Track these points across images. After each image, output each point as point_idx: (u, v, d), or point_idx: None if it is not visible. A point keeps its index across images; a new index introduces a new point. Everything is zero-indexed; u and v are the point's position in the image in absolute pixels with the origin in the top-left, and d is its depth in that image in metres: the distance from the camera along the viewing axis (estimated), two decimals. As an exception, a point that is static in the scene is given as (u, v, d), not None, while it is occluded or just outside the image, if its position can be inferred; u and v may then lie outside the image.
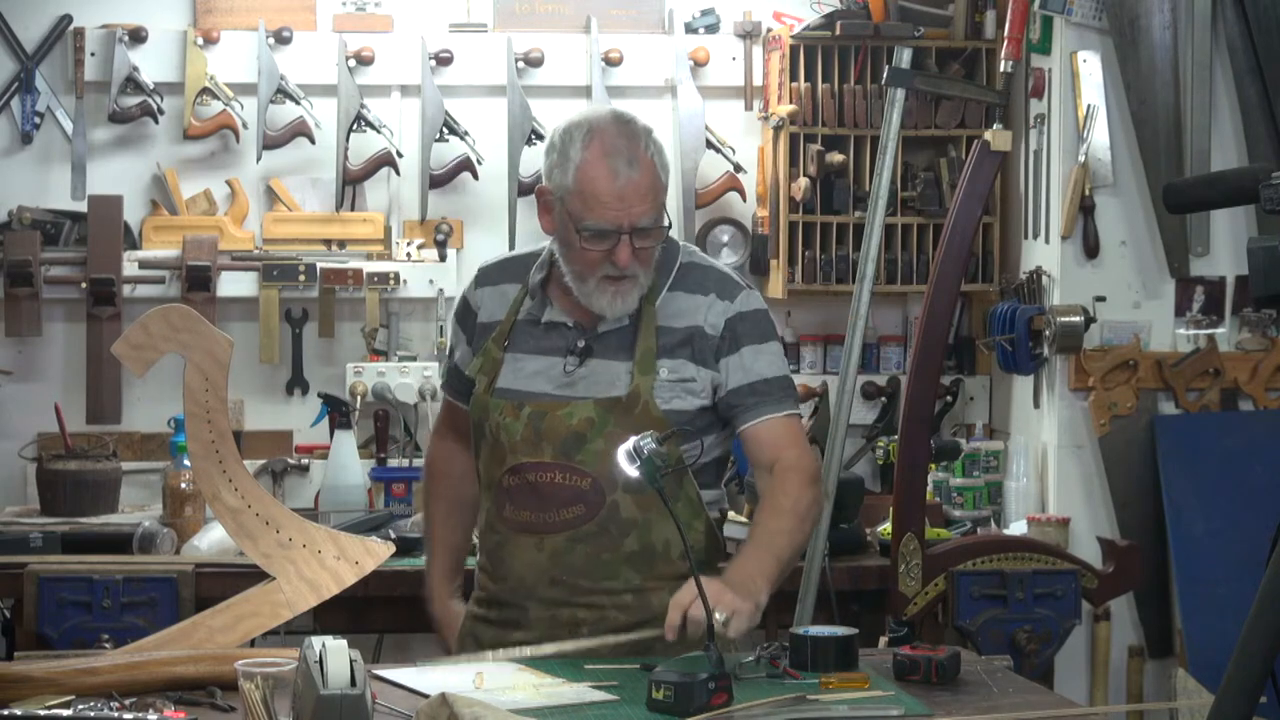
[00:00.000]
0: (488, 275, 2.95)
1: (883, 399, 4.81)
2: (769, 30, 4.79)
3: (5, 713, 2.28)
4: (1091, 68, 4.40)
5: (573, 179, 2.73)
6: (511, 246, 4.69)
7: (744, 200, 4.85)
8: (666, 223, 2.79)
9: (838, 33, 4.63)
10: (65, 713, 2.30)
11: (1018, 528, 4.38)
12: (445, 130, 4.71)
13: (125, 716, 2.29)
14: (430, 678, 2.55)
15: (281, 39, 4.70)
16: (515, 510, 2.81)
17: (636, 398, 2.75)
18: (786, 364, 2.92)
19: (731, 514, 4.31)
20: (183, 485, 4.07)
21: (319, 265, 4.68)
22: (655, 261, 2.81)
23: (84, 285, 4.60)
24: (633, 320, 2.80)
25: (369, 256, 4.75)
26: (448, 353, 3.06)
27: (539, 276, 2.86)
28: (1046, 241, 4.50)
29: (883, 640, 3.74)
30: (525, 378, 2.83)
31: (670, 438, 2.60)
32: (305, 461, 4.65)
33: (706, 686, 2.36)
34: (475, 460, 2.91)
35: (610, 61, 4.79)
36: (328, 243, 4.76)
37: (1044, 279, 4.49)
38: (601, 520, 2.76)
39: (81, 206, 4.66)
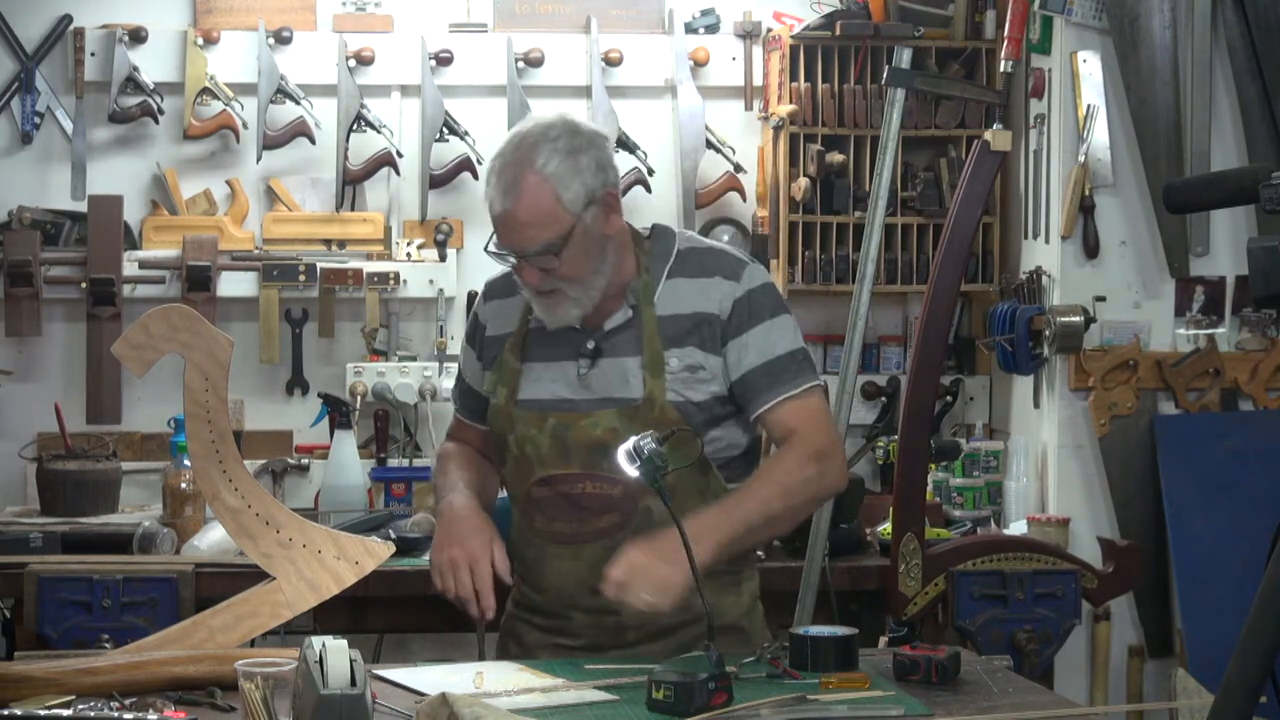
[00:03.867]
0: (493, 289, 2.95)
1: (883, 399, 4.81)
2: (769, 30, 4.79)
3: (5, 713, 2.28)
4: (1091, 68, 4.40)
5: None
6: (511, 246, 4.70)
7: (744, 200, 4.85)
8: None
9: (838, 33, 4.63)
10: (65, 713, 2.30)
11: (1018, 528, 4.38)
12: (445, 130, 4.71)
13: (125, 716, 2.29)
14: (430, 678, 2.55)
15: (281, 39, 4.70)
16: (548, 522, 2.81)
17: (652, 402, 2.74)
18: (800, 334, 2.85)
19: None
20: (183, 485, 4.06)
21: (319, 265, 4.68)
22: (646, 261, 2.80)
23: (84, 285, 4.61)
24: (636, 315, 2.79)
25: (369, 256, 4.75)
26: (457, 376, 3.03)
27: None
28: (1046, 241, 4.50)
29: (883, 640, 3.73)
30: (544, 385, 2.82)
31: (670, 438, 2.59)
32: (305, 461, 4.65)
33: (706, 686, 2.36)
34: (500, 472, 2.92)
35: (610, 61, 4.79)
36: (328, 243, 4.76)
37: (1044, 279, 4.49)
38: (637, 526, 2.75)
39: (81, 206, 4.66)
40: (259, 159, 4.71)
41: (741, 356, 2.78)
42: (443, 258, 4.74)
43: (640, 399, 2.75)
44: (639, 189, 4.76)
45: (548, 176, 2.68)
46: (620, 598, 2.58)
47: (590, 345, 2.79)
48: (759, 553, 3.97)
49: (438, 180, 4.75)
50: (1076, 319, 4.35)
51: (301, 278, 4.67)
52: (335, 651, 2.18)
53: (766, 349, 2.78)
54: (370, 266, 4.69)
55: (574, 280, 2.74)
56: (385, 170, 4.76)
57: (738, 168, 4.81)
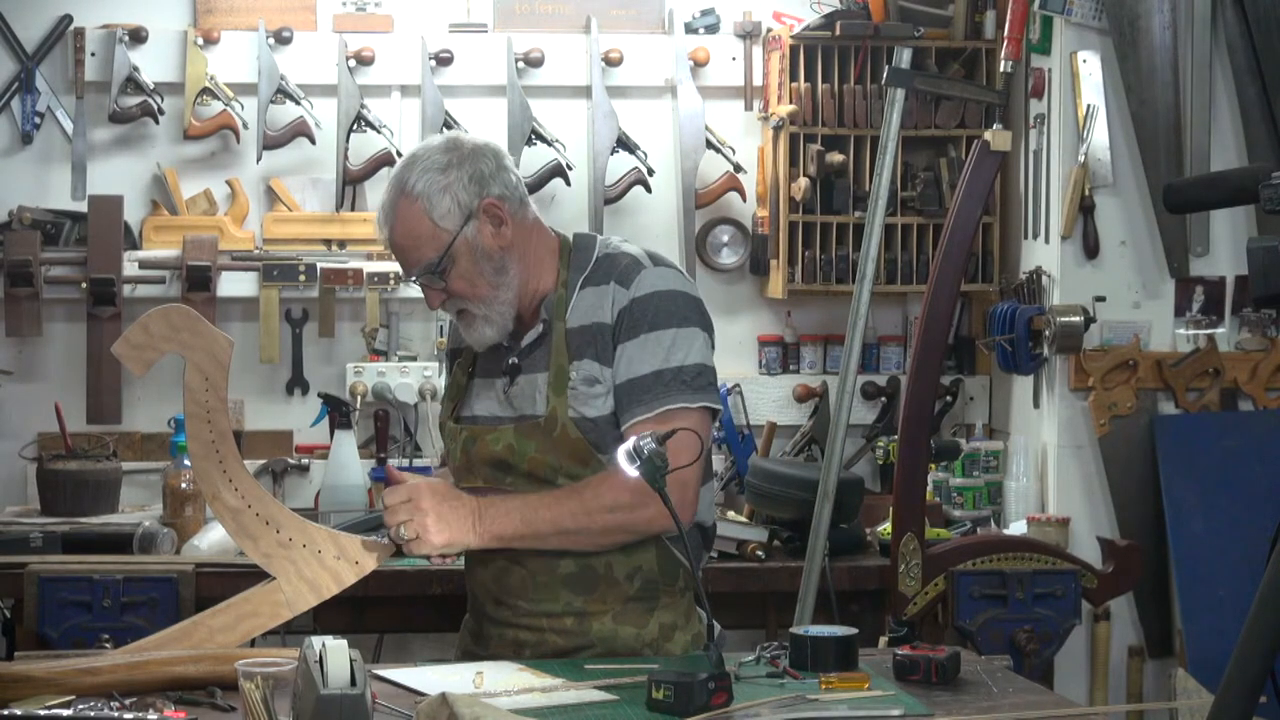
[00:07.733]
0: None
1: (883, 399, 4.81)
2: (769, 30, 4.79)
3: (5, 713, 2.28)
4: (1091, 68, 4.40)
5: None
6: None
7: (744, 200, 4.85)
8: (448, 263, 2.69)
9: (838, 33, 4.63)
10: (65, 713, 2.30)
11: (1018, 528, 4.38)
12: (445, 130, 4.71)
13: (125, 716, 2.29)
14: (430, 678, 2.55)
15: (281, 39, 4.70)
16: None
17: (554, 420, 2.71)
18: (686, 349, 2.68)
19: (731, 514, 4.32)
20: (183, 485, 4.07)
21: (319, 265, 4.68)
22: (565, 273, 2.76)
23: (84, 285, 4.60)
24: (547, 330, 2.76)
25: (369, 256, 4.74)
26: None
27: None
28: (1046, 241, 4.50)
29: (883, 640, 3.74)
30: (481, 402, 2.84)
31: (671, 437, 2.58)
32: (305, 461, 4.65)
33: (706, 686, 2.36)
34: None
35: (610, 61, 4.79)
36: (328, 243, 4.76)
37: (1044, 279, 4.49)
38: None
39: (82, 206, 4.66)
40: (259, 159, 4.71)
41: (616, 372, 2.70)
42: (443, 258, 4.73)
43: (543, 416, 2.72)
44: (639, 189, 4.76)
45: (417, 196, 2.70)
46: (391, 504, 2.65)
47: (511, 362, 2.79)
48: (761, 553, 4.00)
49: (438, 180, 4.74)
50: (1076, 319, 4.35)
51: (301, 278, 4.67)
52: (335, 651, 2.18)
53: (635, 365, 2.68)
54: (370, 266, 4.69)
55: (474, 298, 2.73)
56: (385, 170, 4.75)
57: (738, 168, 4.81)
